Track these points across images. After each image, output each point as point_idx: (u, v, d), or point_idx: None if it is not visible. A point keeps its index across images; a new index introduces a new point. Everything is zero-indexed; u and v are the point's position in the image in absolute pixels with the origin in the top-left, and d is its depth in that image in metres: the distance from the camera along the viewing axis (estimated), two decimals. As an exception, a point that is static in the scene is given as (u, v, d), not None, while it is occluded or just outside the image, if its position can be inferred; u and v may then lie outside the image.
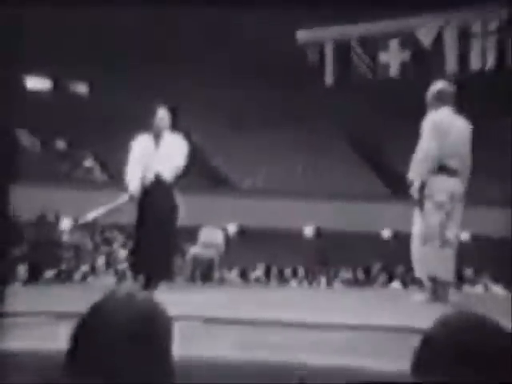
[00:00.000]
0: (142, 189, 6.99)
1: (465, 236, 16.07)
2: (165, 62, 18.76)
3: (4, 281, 5.96)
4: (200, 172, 19.54)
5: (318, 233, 18.10)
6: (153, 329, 1.39)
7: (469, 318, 1.43)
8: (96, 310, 1.40)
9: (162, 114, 7.17)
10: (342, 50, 15.58)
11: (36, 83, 19.30)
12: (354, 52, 15.02)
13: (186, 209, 16.81)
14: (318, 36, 16.75)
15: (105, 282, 12.79)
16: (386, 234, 18.11)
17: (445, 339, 1.39)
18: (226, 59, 19.50)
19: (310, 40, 17.09)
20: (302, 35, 17.16)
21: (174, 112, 7.30)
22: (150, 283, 6.59)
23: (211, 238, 13.75)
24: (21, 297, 5.77)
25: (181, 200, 7.35)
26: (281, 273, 14.55)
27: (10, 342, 3.39)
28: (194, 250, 13.57)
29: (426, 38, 12.67)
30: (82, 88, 19.91)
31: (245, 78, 19.07)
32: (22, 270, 12.74)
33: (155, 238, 6.78)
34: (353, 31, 15.10)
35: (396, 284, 13.55)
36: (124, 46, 18.58)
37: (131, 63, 18.55)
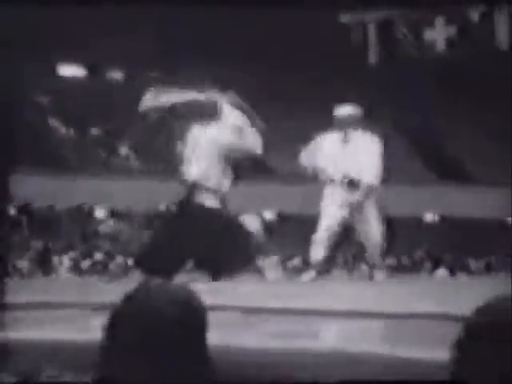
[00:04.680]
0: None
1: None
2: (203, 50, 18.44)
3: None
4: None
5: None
6: (186, 317, 1.39)
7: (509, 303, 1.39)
8: (129, 299, 1.40)
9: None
10: (386, 29, 15.16)
11: (70, 70, 19.13)
12: (398, 30, 14.56)
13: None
14: (362, 17, 16.35)
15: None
16: (430, 217, 17.65)
17: (486, 326, 1.37)
18: (260, 44, 19.12)
19: (353, 21, 16.70)
20: (345, 17, 16.77)
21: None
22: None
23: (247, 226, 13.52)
24: (58, 288, 5.74)
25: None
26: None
27: (46, 333, 3.40)
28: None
29: (474, 12, 12.14)
30: (117, 75, 19.72)
31: (282, 63, 18.67)
32: (63, 261, 12.58)
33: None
34: (397, 10, 14.68)
35: (443, 271, 13.19)
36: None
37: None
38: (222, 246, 6.69)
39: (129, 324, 1.38)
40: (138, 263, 7.25)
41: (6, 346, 2.89)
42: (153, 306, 1.39)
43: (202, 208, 6.84)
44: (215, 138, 6.76)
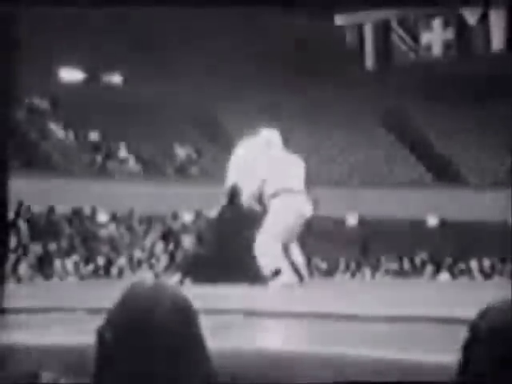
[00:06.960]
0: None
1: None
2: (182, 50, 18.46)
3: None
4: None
5: (360, 221, 17.73)
6: (177, 320, 1.40)
7: None
8: (120, 304, 1.41)
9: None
10: (382, 31, 15.16)
11: (70, 74, 19.13)
12: (394, 33, 14.56)
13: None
14: (358, 19, 16.34)
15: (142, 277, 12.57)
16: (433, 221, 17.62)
17: (489, 331, 1.36)
18: (259, 47, 19.12)
19: (349, 23, 16.68)
20: (341, 19, 16.75)
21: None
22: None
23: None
24: (57, 292, 5.71)
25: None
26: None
27: (47, 337, 3.40)
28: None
29: (471, 15, 12.15)
30: (116, 79, 19.72)
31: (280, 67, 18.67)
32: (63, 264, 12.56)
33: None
34: (393, 13, 14.67)
35: (444, 275, 13.16)
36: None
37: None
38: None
39: (118, 330, 1.37)
40: (188, 273, 7.10)
41: (6, 349, 2.87)
42: (141, 310, 1.39)
43: (244, 210, 6.98)
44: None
